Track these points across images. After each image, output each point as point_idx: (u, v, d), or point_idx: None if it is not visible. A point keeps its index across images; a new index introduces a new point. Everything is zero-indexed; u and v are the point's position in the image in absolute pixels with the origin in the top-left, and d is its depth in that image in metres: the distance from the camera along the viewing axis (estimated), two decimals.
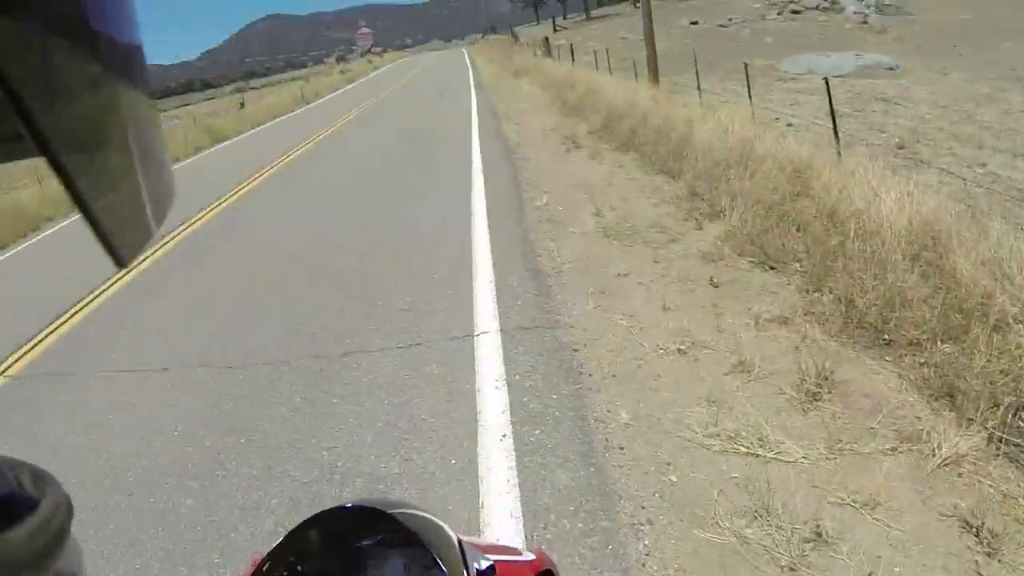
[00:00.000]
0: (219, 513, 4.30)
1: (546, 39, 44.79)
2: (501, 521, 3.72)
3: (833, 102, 8.32)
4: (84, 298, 8.71)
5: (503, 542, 1.80)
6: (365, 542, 1.50)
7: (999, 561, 3.13)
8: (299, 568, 1.37)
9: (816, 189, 6.95)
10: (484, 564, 1.35)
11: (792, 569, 3.21)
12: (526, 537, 3.58)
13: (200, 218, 12.04)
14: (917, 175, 6.76)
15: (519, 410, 4.64)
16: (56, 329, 7.87)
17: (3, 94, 0.32)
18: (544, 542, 3.52)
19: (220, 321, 7.24)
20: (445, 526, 1.47)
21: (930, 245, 5.48)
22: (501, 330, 5.75)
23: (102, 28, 0.41)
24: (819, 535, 3.34)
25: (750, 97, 11.05)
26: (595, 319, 5.68)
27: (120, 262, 0.45)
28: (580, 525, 3.61)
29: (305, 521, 1.27)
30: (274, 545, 1.28)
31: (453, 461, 4.31)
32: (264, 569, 1.25)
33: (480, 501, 3.93)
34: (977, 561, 3.12)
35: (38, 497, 0.47)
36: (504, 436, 4.40)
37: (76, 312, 8.31)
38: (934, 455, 3.69)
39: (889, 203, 6.03)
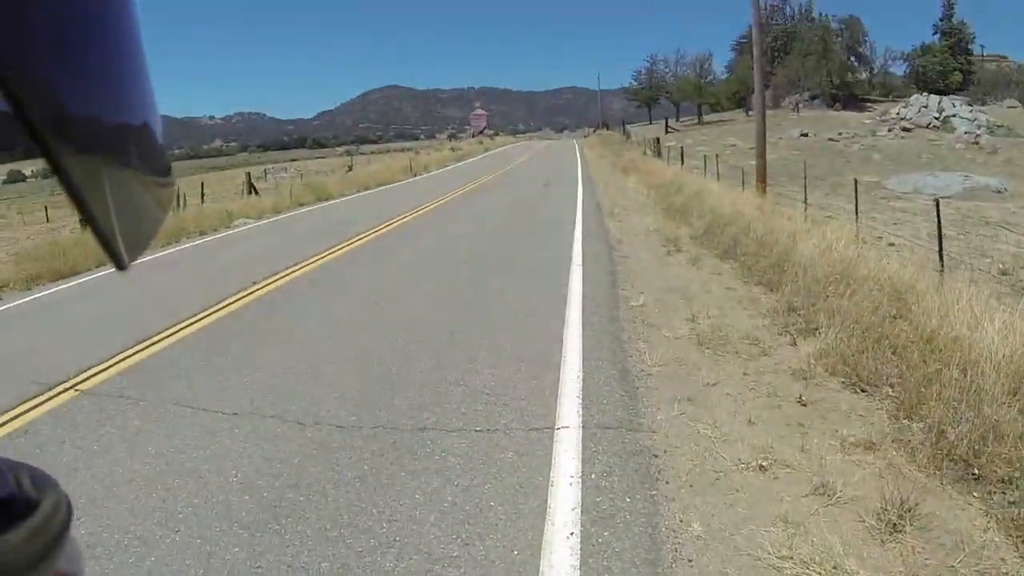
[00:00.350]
0: (264, 566, 4.31)
1: (657, 139, 45.31)
2: None
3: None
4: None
5: None
6: None
7: None
8: None
9: (916, 312, 6.79)
10: None
11: None
12: None
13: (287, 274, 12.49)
14: (1021, 304, 6.53)
15: (591, 509, 4.57)
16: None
17: (4, 97, 0.33)
18: None
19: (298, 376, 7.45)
20: None
21: None
22: (583, 426, 5.72)
23: (103, 38, 0.42)
24: None
25: (856, 214, 10.94)
26: (678, 426, 5.62)
27: (120, 265, 0.46)
28: None
29: None
30: None
31: (515, 552, 4.26)
32: None
33: None
34: None
35: (38, 498, 0.47)
36: (572, 534, 4.33)
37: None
38: None
39: (991, 331, 5.85)
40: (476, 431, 5.87)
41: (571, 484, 4.88)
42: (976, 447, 4.65)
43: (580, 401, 6.20)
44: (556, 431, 5.71)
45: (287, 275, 12.34)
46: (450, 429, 5.96)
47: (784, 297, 8.25)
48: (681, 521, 4.39)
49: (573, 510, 4.58)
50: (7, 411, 6.79)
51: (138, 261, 0.49)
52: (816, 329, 7.06)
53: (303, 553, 4.41)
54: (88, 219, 0.41)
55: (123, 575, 4.30)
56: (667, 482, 4.84)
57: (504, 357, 7.53)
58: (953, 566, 3.80)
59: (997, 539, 3.98)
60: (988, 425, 4.76)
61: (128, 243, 0.46)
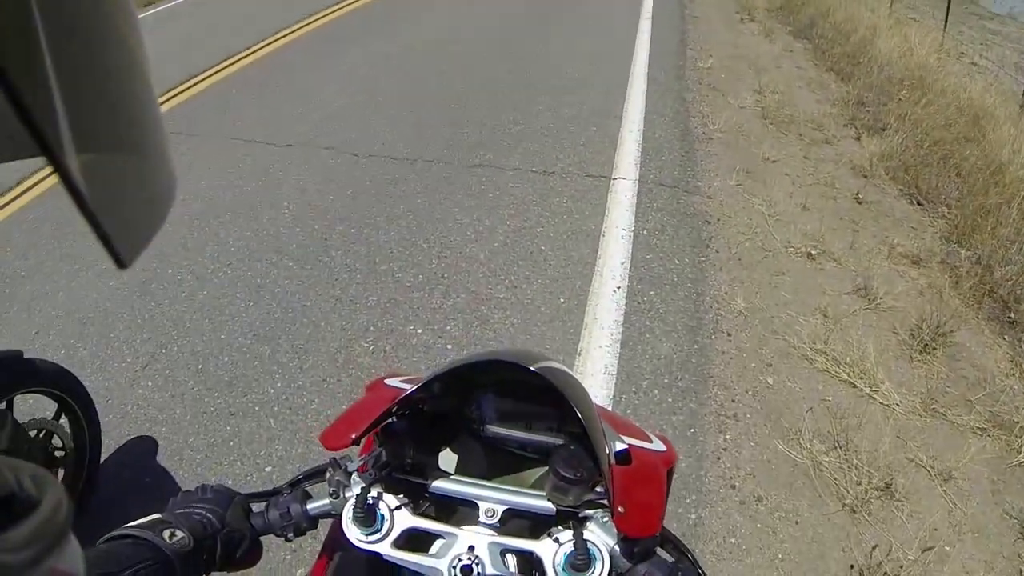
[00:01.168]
0: (313, 299, 4.16)
1: None
2: (595, 374, 3.51)
3: None
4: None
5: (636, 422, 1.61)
6: (492, 386, 1.34)
7: None
8: (421, 407, 1.30)
9: (989, 140, 6.17)
10: (619, 446, 1.23)
11: (853, 511, 2.99)
12: (614, 396, 3.38)
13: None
14: None
15: (639, 266, 4.32)
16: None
17: (3, 93, 0.29)
18: (631, 407, 3.33)
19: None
20: (587, 390, 1.27)
21: None
22: (639, 180, 5.33)
23: (104, 32, 0.39)
24: (888, 487, 3.08)
25: (946, 22, 9.83)
26: (734, 196, 5.22)
27: (121, 263, 0.41)
28: (669, 400, 3.41)
29: (448, 369, 1.16)
30: (408, 385, 1.21)
31: (561, 300, 4.07)
32: (392, 411, 1.17)
33: (579, 348, 3.71)
34: (1022, 571, 2.86)
35: (38, 497, 0.43)
36: (618, 288, 4.12)
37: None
38: (1020, 452, 3.34)
39: None
40: (532, 172, 5.48)
41: (622, 237, 4.60)
42: (1018, 292, 4.30)
43: (639, 154, 5.76)
44: (612, 181, 5.33)
45: (333, 12, 11.24)
46: (506, 168, 5.55)
47: (855, 89, 7.49)
48: (726, 293, 4.15)
49: (622, 264, 4.34)
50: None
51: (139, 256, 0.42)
52: (883, 129, 6.44)
53: (351, 286, 4.23)
54: (88, 218, 0.37)
55: (177, 310, 4.14)
56: (717, 251, 4.54)
57: (565, 102, 6.93)
58: (970, 400, 3.60)
59: (1017, 386, 3.75)
60: None
61: (129, 242, 0.41)
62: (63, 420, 2.94)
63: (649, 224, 4.77)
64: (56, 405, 2.93)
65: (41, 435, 2.88)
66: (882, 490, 3.07)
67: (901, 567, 2.75)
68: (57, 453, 2.92)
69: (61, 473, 2.93)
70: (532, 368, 1.11)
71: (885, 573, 2.71)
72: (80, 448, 3.00)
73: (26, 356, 2.78)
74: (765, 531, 2.89)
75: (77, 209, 0.36)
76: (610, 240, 4.57)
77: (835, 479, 3.11)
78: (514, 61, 8.18)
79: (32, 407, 2.89)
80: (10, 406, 2.75)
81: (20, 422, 2.75)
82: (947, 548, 2.89)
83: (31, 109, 0.31)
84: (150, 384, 3.62)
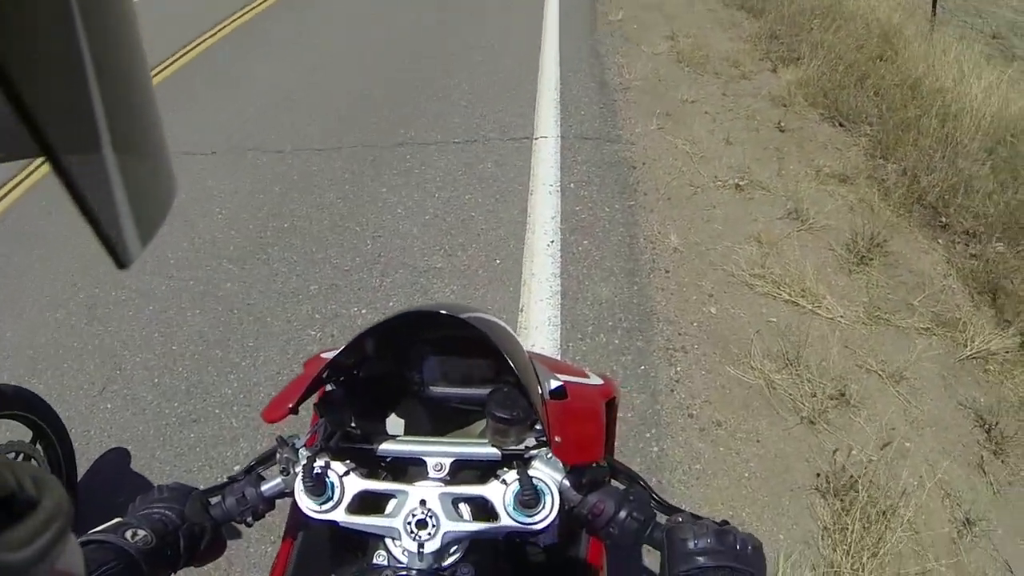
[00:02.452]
0: (256, 297, 4.15)
1: None
2: (539, 327, 3.54)
3: None
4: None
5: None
6: (426, 345, 1.38)
7: (1003, 461, 2.99)
8: (356, 373, 1.33)
9: (902, 58, 6.34)
10: (554, 384, 1.26)
11: (811, 422, 3.07)
12: (561, 346, 3.40)
13: None
14: (1010, 69, 6.12)
15: (570, 218, 4.36)
16: None
17: (3, 93, 0.29)
18: (579, 353, 3.36)
19: None
20: (516, 334, 1.29)
21: (1007, 142, 5.03)
22: (561, 136, 5.36)
23: (103, 33, 0.38)
24: (842, 395, 3.17)
25: None
26: (656, 140, 5.28)
27: (121, 263, 0.41)
28: (616, 341, 3.44)
29: (371, 326, 1.18)
30: (336, 352, 1.21)
31: (498, 261, 4.09)
32: (324, 376, 1.20)
33: (520, 304, 3.74)
34: (983, 456, 2.98)
35: (38, 497, 0.44)
36: (552, 242, 4.15)
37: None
38: (966, 346, 3.46)
39: (976, 89, 5.50)
40: (455, 143, 5.47)
41: (550, 193, 4.62)
42: (946, 197, 4.45)
43: (558, 112, 5.78)
44: (535, 141, 5.35)
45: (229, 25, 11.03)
46: (429, 142, 5.55)
47: (767, 24, 7.62)
48: (659, 233, 4.21)
49: (553, 218, 4.37)
50: None
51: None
52: (798, 59, 6.57)
53: (292, 279, 4.21)
54: (89, 219, 0.36)
55: (125, 329, 4.07)
56: (645, 194, 4.59)
57: (480, 67, 6.93)
58: (912, 304, 3.72)
59: (955, 286, 3.89)
60: (961, 178, 4.54)
61: (129, 242, 0.41)
62: (38, 445, 2.92)
63: (575, 177, 4.79)
64: (31, 432, 2.91)
65: (19, 459, 2.80)
66: (837, 399, 3.16)
67: (865, 467, 2.83)
68: None
69: None
70: (458, 316, 1.14)
71: (851, 476, 2.79)
72: (56, 473, 2.96)
73: None
74: (728, 453, 2.94)
75: (77, 209, 0.36)
76: (538, 197, 4.59)
77: (790, 395, 3.18)
78: (423, 34, 8.13)
79: (8, 435, 2.85)
80: None
81: None
82: (907, 444, 2.98)
83: (31, 109, 0.31)
84: (109, 406, 3.56)
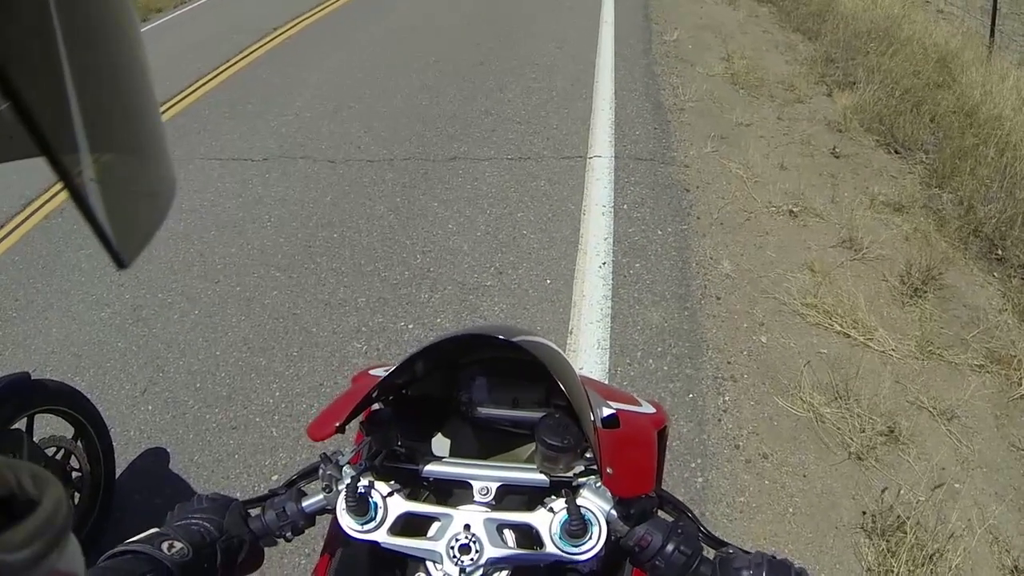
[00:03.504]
0: (302, 307, 4.18)
1: None
2: (588, 350, 3.52)
3: None
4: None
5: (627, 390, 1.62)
6: (477, 367, 1.36)
7: None
8: (405, 392, 1.32)
9: (960, 83, 6.20)
10: (606, 412, 1.22)
11: (860, 458, 3.01)
12: (609, 370, 3.39)
13: None
14: None
15: (622, 240, 4.33)
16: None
17: (3, 93, 0.30)
18: (627, 379, 3.34)
19: None
20: (569, 359, 1.27)
21: None
22: (615, 156, 5.33)
23: (104, 36, 0.40)
24: (892, 431, 3.10)
25: None
26: (710, 163, 5.23)
27: (121, 263, 0.41)
28: (665, 368, 3.41)
29: (424, 347, 1.15)
30: (386, 370, 1.20)
31: (548, 281, 4.08)
32: (373, 395, 1.18)
33: (570, 327, 3.72)
34: None
35: (38, 497, 0.43)
36: (604, 264, 4.13)
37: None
38: (1021, 385, 3.37)
39: None
40: (508, 159, 5.48)
41: (603, 214, 4.60)
42: (1003, 229, 4.33)
43: (612, 131, 5.75)
44: (588, 160, 5.33)
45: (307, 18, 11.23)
46: (481, 158, 5.56)
47: (823, 47, 7.52)
48: (711, 258, 4.16)
49: (605, 239, 4.35)
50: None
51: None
52: (854, 83, 6.46)
53: (339, 290, 4.24)
54: (88, 218, 0.37)
55: (170, 332, 4.15)
56: (698, 218, 4.55)
57: (535, 85, 6.93)
58: (966, 339, 3.63)
59: (1010, 322, 3.78)
60: (1019, 209, 4.41)
61: (128, 242, 0.42)
62: (78, 442, 2.96)
63: (628, 198, 4.77)
64: (72, 429, 2.95)
65: (59, 455, 2.90)
66: (886, 435, 3.09)
67: (912, 508, 2.76)
68: (74, 475, 2.94)
69: (77, 496, 2.95)
70: (512, 340, 1.11)
71: (897, 515, 2.72)
72: (96, 470, 3.01)
73: (34, 377, 2.80)
74: (774, 487, 2.90)
75: (77, 209, 0.36)
76: (591, 218, 4.58)
77: (838, 429, 3.12)
78: (479, 52, 8.17)
79: (50, 431, 2.92)
80: (30, 430, 2.79)
81: (37, 440, 2.78)
82: (956, 485, 2.90)
83: (31, 109, 0.31)
84: (150, 408, 3.62)
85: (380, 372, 1.40)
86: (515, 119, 6.19)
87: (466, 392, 1.34)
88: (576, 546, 1.03)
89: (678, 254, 4.20)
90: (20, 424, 2.74)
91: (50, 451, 2.86)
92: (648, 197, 4.78)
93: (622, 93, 6.53)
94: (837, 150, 5.38)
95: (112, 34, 0.41)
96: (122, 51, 0.43)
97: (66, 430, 2.96)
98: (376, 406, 1.25)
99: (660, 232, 4.39)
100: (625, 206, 4.67)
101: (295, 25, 10.16)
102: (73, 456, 2.95)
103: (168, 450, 3.37)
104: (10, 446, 2.65)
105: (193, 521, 1.08)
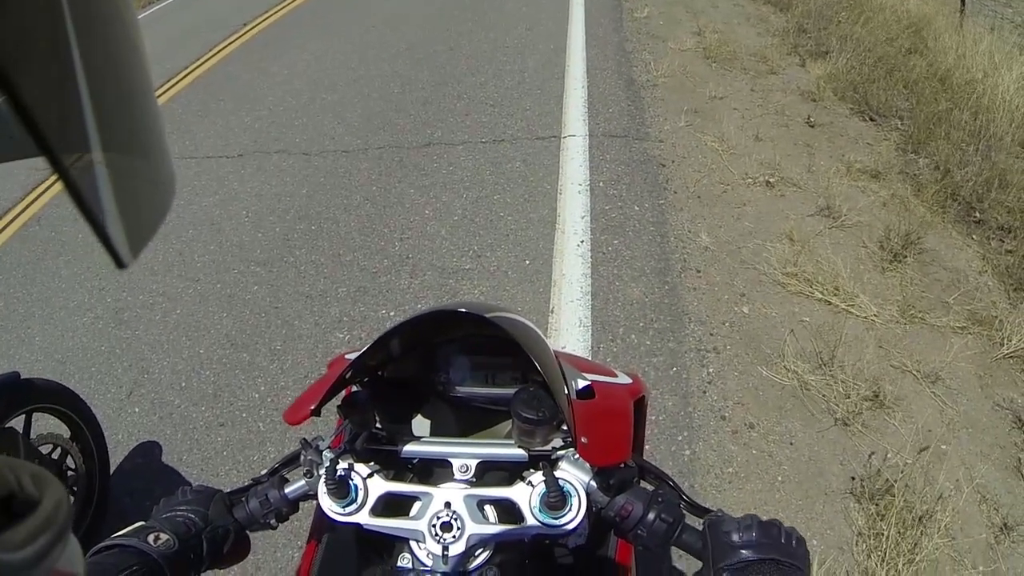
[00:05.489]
0: (284, 300, 4.15)
1: None
2: (570, 328, 3.51)
3: None
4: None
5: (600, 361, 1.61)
6: (453, 345, 1.36)
7: None
8: (381, 374, 1.34)
9: (932, 50, 6.21)
10: (582, 384, 1.22)
11: (846, 424, 3.01)
12: (592, 347, 3.37)
13: None
14: None
15: (600, 217, 4.31)
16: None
17: (3, 93, 0.29)
18: (610, 354, 3.33)
19: None
20: (542, 334, 1.26)
21: None
22: (589, 135, 5.30)
23: (103, 37, 0.39)
24: (877, 396, 3.10)
25: None
26: (685, 137, 5.21)
27: (120, 263, 0.40)
28: (647, 343, 3.40)
29: (394, 326, 1.15)
30: (359, 352, 1.19)
31: (527, 262, 4.06)
32: (347, 377, 1.20)
33: (551, 305, 3.71)
34: (1020, 459, 2.89)
35: (38, 497, 0.43)
36: (582, 242, 4.11)
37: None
38: (1003, 345, 3.38)
39: (1008, 80, 5.36)
40: (483, 142, 5.45)
41: (579, 192, 4.58)
42: (980, 192, 4.34)
43: (586, 110, 5.72)
44: (563, 140, 5.30)
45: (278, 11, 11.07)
46: (456, 143, 5.52)
47: (794, 18, 7.50)
48: (689, 231, 4.15)
49: (583, 218, 4.33)
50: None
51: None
52: (827, 53, 6.45)
53: (319, 281, 4.22)
54: (88, 218, 0.37)
55: (153, 333, 4.11)
56: (675, 192, 4.53)
57: (506, 69, 6.87)
58: (947, 302, 3.64)
59: (991, 283, 3.79)
60: (995, 172, 4.42)
61: (128, 242, 0.41)
62: (74, 443, 2.97)
63: (604, 176, 4.74)
64: (68, 430, 2.96)
65: (55, 453, 2.90)
66: (871, 400, 3.09)
67: (900, 471, 2.76)
68: (70, 473, 2.95)
69: (73, 495, 2.96)
70: (484, 316, 1.11)
71: (885, 479, 2.73)
72: (91, 469, 3.01)
73: (24, 377, 2.80)
74: (761, 456, 2.90)
75: (77, 209, 0.36)
76: (567, 197, 4.55)
77: (823, 396, 3.12)
78: (449, 34, 8.10)
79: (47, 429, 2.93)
80: (28, 429, 2.82)
81: (32, 438, 2.80)
82: (943, 446, 2.91)
83: (31, 109, 0.31)
84: (137, 410, 3.59)
85: (355, 355, 1.39)
86: (488, 102, 6.13)
87: (443, 372, 1.34)
88: (557, 518, 1.03)
89: (656, 229, 4.17)
90: (17, 424, 2.75)
91: (46, 449, 2.87)
92: (624, 174, 4.75)
93: (594, 72, 6.49)
94: (812, 119, 5.37)
95: (111, 32, 0.41)
96: (122, 48, 0.43)
97: (62, 430, 2.95)
98: (353, 389, 1.26)
99: (637, 208, 4.37)
100: (601, 184, 4.64)
101: (264, 20, 10.03)
102: (69, 456, 2.94)
103: (156, 449, 3.36)
104: (5, 444, 2.67)
105: (178, 513, 1.09)
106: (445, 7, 9.23)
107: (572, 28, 7.79)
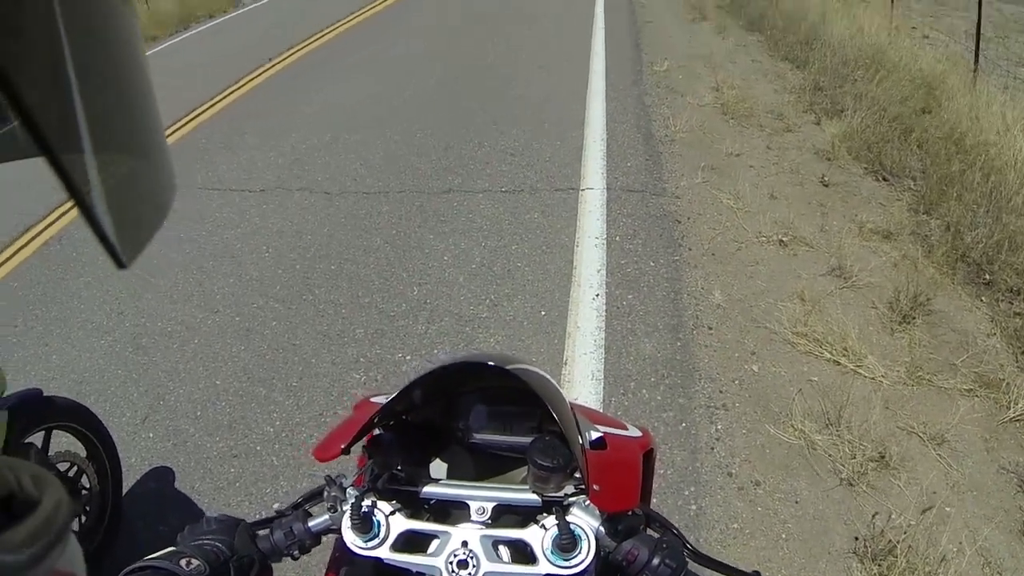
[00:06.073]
0: (302, 338, 4.24)
1: None
2: (583, 380, 3.60)
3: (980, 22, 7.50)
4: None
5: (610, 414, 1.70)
6: (474, 394, 1.43)
7: None
8: (405, 418, 1.38)
9: (946, 109, 6.34)
10: (594, 435, 1.30)
11: (851, 484, 3.07)
12: (604, 400, 3.46)
13: None
14: None
15: (615, 272, 4.43)
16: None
17: (4, 95, 0.30)
18: (621, 408, 3.41)
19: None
20: (559, 386, 1.35)
21: None
22: (607, 188, 5.46)
23: (102, 36, 0.40)
24: (883, 457, 3.17)
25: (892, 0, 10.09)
26: (701, 194, 5.35)
27: (120, 263, 0.42)
28: (658, 398, 3.49)
29: (422, 375, 1.21)
30: (387, 398, 1.25)
31: (543, 313, 4.16)
32: (375, 420, 1.25)
33: (564, 357, 3.79)
34: None
35: (38, 497, 0.44)
36: (597, 295, 4.22)
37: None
38: (1010, 408, 3.43)
39: (1021, 142, 5.46)
40: (502, 191, 5.60)
41: (596, 246, 4.70)
42: (990, 253, 4.42)
43: (604, 163, 5.89)
44: (581, 192, 5.45)
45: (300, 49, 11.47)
46: (476, 190, 5.67)
47: (811, 75, 7.68)
48: (703, 289, 4.26)
49: (598, 271, 4.44)
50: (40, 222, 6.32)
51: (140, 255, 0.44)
52: (842, 111, 6.60)
53: (337, 321, 4.33)
54: (88, 218, 0.38)
55: (170, 360, 4.21)
56: (690, 249, 4.65)
57: (526, 119, 7.08)
58: (955, 364, 3.70)
59: (999, 346, 3.85)
60: (1005, 234, 4.49)
61: (128, 243, 0.42)
62: (90, 462, 3.01)
63: (621, 230, 4.88)
64: (85, 449, 3.00)
65: (71, 471, 2.95)
66: (877, 461, 3.16)
67: (904, 532, 2.82)
68: (84, 492, 2.99)
69: (85, 514, 2.99)
70: (505, 368, 1.19)
71: (889, 540, 2.78)
72: (104, 489, 3.06)
73: (45, 394, 2.87)
74: (767, 514, 2.96)
75: (77, 209, 0.37)
76: (584, 249, 4.68)
77: (830, 455, 3.19)
78: (472, 83, 8.33)
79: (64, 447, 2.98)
80: (46, 445, 2.86)
81: (50, 455, 2.84)
82: (947, 508, 2.96)
83: (31, 109, 0.32)
84: (151, 435, 3.68)
85: (381, 399, 1.46)
86: (508, 151, 6.31)
87: (463, 419, 1.41)
88: (567, 560, 1.09)
89: (670, 285, 4.29)
90: (36, 439, 2.80)
91: (63, 466, 2.91)
92: (640, 228, 4.89)
93: (613, 124, 6.68)
94: (826, 178, 5.50)
95: (111, 34, 0.42)
96: (121, 50, 0.44)
97: (79, 448, 3.00)
98: (378, 431, 1.33)
99: (652, 263, 4.49)
100: (618, 238, 4.78)
101: (289, 56, 10.34)
102: (84, 475, 2.99)
103: (172, 473, 3.44)
104: (23, 459, 2.66)
105: (205, 541, 1.14)
106: (471, 55, 9.48)
107: (592, 79, 8.01)
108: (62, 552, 0.43)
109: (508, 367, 1.20)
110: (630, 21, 11.05)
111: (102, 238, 0.40)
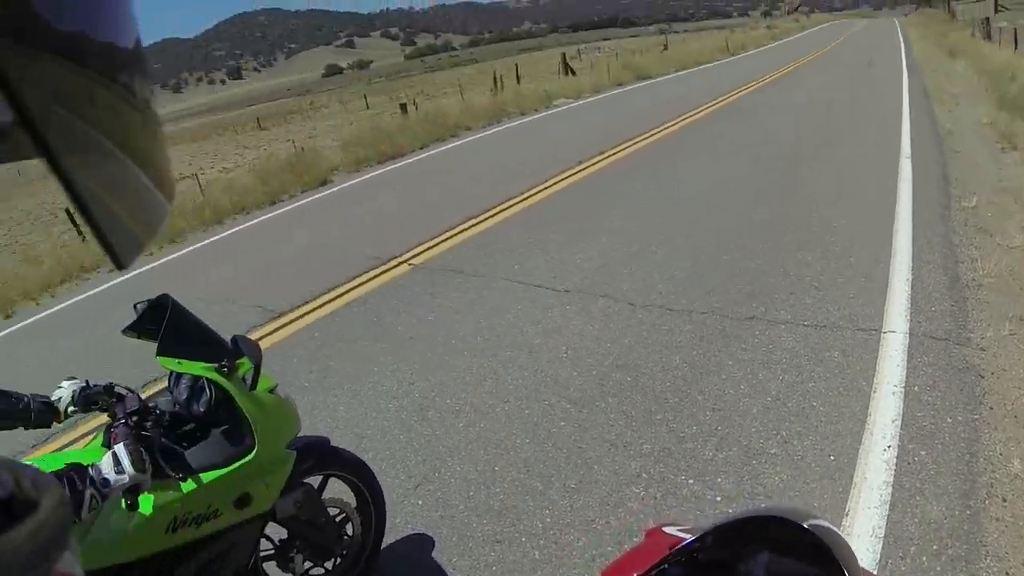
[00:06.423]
0: (588, 442, 4.54)
1: (986, 19, 37.47)
2: (862, 536, 3.66)
3: None
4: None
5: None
6: (767, 549, 1.47)
7: None
8: (695, 556, 1.42)
9: None
10: None
11: None
12: (880, 561, 3.51)
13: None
14: None
15: (910, 424, 4.48)
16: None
17: (3, 94, 0.32)
18: (897, 573, 3.46)
19: None
20: (853, 549, 1.38)
21: None
22: (910, 333, 5.55)
23: (101, 38, 0.41)
24: None
25: None
26: (1008, 348, 5.29)
27: (120, 264, 0.43)
28: (938, 568, 3.48)
29: (727, 522, 1.25)
30: (687, 536, 1.35)
31: (832, 458, 4.26)
32: (670, 557, 1.31)
33: (847, 508, 3.86)
34: None
35: (38, 498, 0.46)
36: (888, 447, 4.29)
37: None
38: None
39: None
40: (804, 325, 5.86)
41: (893, 394, 4.81)
42: None
43: (908, 305, 5.98)
44: (882, 335, 5.59)
45: (619, 151, 12.53)
46: (778, 321, 5.97)
47: None
48: (1001, 455, 4.23)
49: (893, 422, 4.53)
50: (341, 285, 7.63)
51: (140, 259, 0.49)
52: None
53: (626, 433, 4.64)
54: (88, 220, 0.39)
55: (453, 438, 4.71)
56: (991, 408, 4.66)
57: (833, 252, 7.32)
58: None
59: None
60: None
61: (127, 244, 0.44)
62: (358, 514, 3.32)
63: (920, 380, 4.94)
64: (356, 500, 3.32)
65: (339, 516, 3.25)
66: None
67: None
68: (346, 538, 3.30)
69: (339, 559, 3.30)
70: (804, 525, 1.23)
71: None
72: (364, 541, 3.35)
73: (332, 444, 3.20)
74: None
75: (77, 210, 0.38)
76: (880, 396, 4.81)
77: None
78: (775, 213, 8.76)
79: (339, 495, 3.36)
80: (321, 490, 3.16)
81: (324, 498, 3.17)
82: None
83: (31, 111, 0.33)
84: (420, 503, 4.06)
85: (674, 531, 1.57)
86: (814, 284, 6.61)
87: (748, 564, 1.41)
88: None
89: (966, 446, 4.30)
90: (314, 481, 3.10)
91: (333, 511, 3.20)
92: (940, 380, 4.94)
93: (918, 263, 6.76)
94: None
95: (113, 36, 0.42)
96: (123, 53, 0.44)
97: (350, 498, 3.31)
98: (666, 565, 1.35)
99: (950, 420, 4.54)
100: (916, 388, 4.86)
101: (601, 160, 11.32)
102: (350, 524, 3.28)
103: (431, 542, 3.72)
104: (300, 496, 2.99)
105: None
106: (770, 184, 9.87)
107: (899, 213, 8.12)
108: (61, 553, 0.45)
109: (806, 523, 1.22)
110: (938, 150, 10.91)
111: (102, 240, 0.40)
